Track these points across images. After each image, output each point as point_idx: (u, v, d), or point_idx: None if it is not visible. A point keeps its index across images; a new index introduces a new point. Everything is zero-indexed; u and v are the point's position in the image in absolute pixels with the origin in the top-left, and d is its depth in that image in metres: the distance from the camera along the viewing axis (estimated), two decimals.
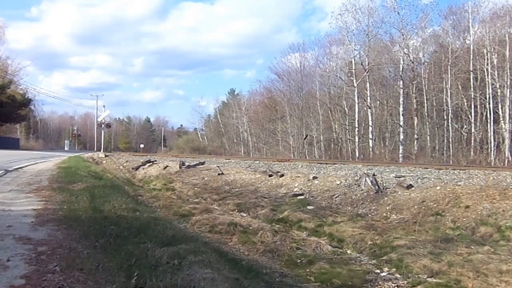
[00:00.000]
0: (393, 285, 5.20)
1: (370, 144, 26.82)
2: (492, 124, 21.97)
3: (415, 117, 25.93)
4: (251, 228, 7.46)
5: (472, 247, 6.25)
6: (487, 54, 22.63)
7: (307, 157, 29.70)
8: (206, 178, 14.72)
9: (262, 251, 6.27)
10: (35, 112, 56.28)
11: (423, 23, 26.75)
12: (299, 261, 6.04)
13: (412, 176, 11.01)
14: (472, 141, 22.70)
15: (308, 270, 5.63)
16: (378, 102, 29.03)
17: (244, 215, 9.21)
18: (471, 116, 23.49)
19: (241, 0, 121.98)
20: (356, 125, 28.20)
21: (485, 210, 7.67)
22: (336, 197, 10.40)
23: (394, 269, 5.68)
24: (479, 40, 24.17)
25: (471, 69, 23.74)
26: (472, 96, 23.35)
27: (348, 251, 6.79)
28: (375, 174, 11.11)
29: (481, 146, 22.45)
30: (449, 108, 24.31)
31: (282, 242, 6.80)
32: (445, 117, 24.78)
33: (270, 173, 13.71)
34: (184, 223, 7.70)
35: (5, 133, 46.82)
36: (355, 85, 28.04)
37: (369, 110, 27.46)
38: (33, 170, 12.02)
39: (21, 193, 6.85)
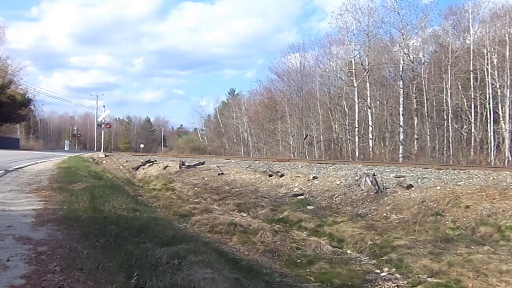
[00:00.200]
0: (393, 285, 5.20)
1: (370, 144, 26.82)
2: (492, 124, 21.96)
3: (415, 117, 25.93)
4: (251, 228, 7.46)
5: (472, 247, 6.25)
6: (487, 54, 22.63)
7: (307, 157, 29.70)
8: (206, 178, 14.72)
9: (262, 251, 6.27)
10: (35, 112, 56.32)
11: (423, 23, 26.79)
12: (299, 261, 6.04)
13: (412, 176, 11.01)
14: (472, 141, 22.70)
15: (308, 270, 5.63)
16: (378, 102, 29.02)
17: (244, 215, 9.21)
18: (471, 116, 23.49)
19: (241, 0, 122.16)
20: (356, 125, 28.19)
21: (485, 210, 7.67)
22: (336, 197, 10.40)
23: (394, 269, 5.68)
24: (479, 40, 24.17)
25: (471, 69, 23.74)
26: (472, 96, 23.35)
27: (348, 251, 6.79)
28: (375, 174, 11.11)
29: (481, 146, 22.45)
30: (449, 108, 24.30)
31: (282, 242, 6.80)
32: (445, 117, 24.78)
33: (270, 173, 13.71)
34: (184, 223, 7.71)
35: (5, 133, 46.83)
36: (355, 85, 28.04)
37: (369, 110, 27.46)
38: (33, 170, 12.02)
39: (21, 193, 6.85)
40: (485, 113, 22.99)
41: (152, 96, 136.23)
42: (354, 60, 29.01)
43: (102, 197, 6.63)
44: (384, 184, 10.30)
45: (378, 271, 5.72)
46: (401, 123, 25.30)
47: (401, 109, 25.48)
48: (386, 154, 25.32)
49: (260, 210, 9.44)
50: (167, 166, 17.84)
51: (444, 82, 24.98)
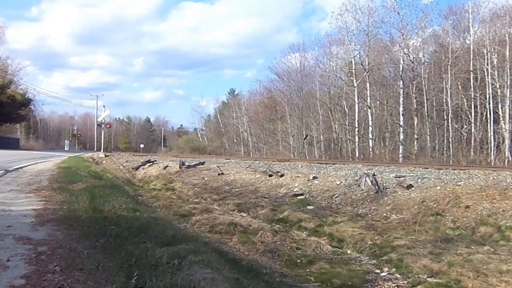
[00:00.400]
0: (393, 285, 5.20)
1: (370, 144, 26.82)
2: (492, 124, 21.96)
3: (415, 117, 25.93)
4: (251, 228, 7.46)
5: (472, 247, 6.24)
6: (487, 54, 22.62)
7: (307, 157, 29.70)
8: (206, 178, 14.72)
9: (262, 251, 6.27)
10: (35, 112, 56.32)
11: (423, 23, 26.78)
12: (299, 261, 6.04)
13: (412, 176, 11.01)
14: (472, 141, 22.70)
15: (308, 270, 5.63)
16: (378, 102, 29.02)
17: (244, 215, 9.21)
18: (471, 116, 23.49)
19: (241, 0, 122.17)
20: (356, 125, 28.19)
21: (485, 210, 7.67)
22: (336, 197, 10.40)
23: (394, 269, 5.68)
24: (479, 40, 24.16)
25: (471, 69, 23.74)
26: (472, 96, 23.35)
27: (348, 251, 6.79)
28: (375, 174, 11.11)
29: (481, 146, 22.45)
30: (449, 108, 24.30)
31: (282, 242, 6.80)
32: (445, 117, 24.78)
33: (270, 173, 13.71)
34: (184, 223, 7.71)
35: (5, 133, 46.83)
36: (355, 85, 28.04)
37: (369, 110, 27.46)
38: (33, 170, 12.02)
39: (21, 193, 6.85)
40: (485, 113, 22.99)
41: (152, 96, 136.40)
42: (354, 60, 29.02)
43: (102, 197, 6.63)
44: (384, 184, 10.30)
45: (378, 271, 5.72)
46: (401, 123, 25.30)
47: (401, 109, 25.48)
48: (386, 154, 25.32)
49: (260, 210, 9.44)
50: (167, 166, 17.85)
51: (444, 82, 24.97)
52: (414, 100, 26.19)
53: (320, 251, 6.59)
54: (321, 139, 32.11)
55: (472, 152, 21.81)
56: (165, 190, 12.87)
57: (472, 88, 23.43)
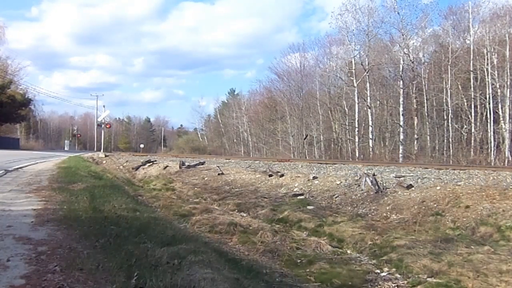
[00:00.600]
0: (393, 285, 5.20)
1: (370, 144, 26.82)
2: (492, 124, 21.97)
3: (415, 117, 25.93)
4: (251, 228, 7.46)
5: (472, 247, 6.24)
6: (487, 54, 22.63)
7: (307, 157, 29.70)
8: (206, 178, 14.72)
9: (262, 251, 6.27)
10: (35, 112, 56.26)
11: (423, 23, 26.79)
12: (299, 261, 6.04)
13: (412, 176, 11.01)
14: (472, 141, 22.70)
15: (308, 270, 5.63)
16: (378, 102, 29.03)
17: (244, 215, 9.21)
18: (471, 116, 23.49)
19: (241, 0, 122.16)
20: (356, 125, 28.20)
21: (485, 210, 7.67)
22: (336, 197, 10.40)
23: (394, 269, 5.68)
24: (479, 40, 24.16)
25: (471, 69, 23.74)
26: (472, 96, 23.35)
27: (348, 251, 6.79)
28: (375, 174, 11.11)
29: (481, 146, 22.45)
30: (449, 108, 24.30)
31: (282, 242, 6.80)
32: (445, 117, 24.78)
33: (270, 173, 13.71)
34: (184, 223, 7.70)
35: (5, 133, 46.83)
36: (355, 85, 28.04)
37: (369, 110, 27.46)
38: (33, 170, 12.02)
39: (21, 193, 6.85)
40: (485, 113, 22.99)
41: (152, 96, 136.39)
42: (354, 60, 29.02)
43: (102, 197, 6.62)
44: (384, 184, 10.30)
45: (378, 271, 5.72)
46: (401, 123, 25.31)
47: (401, 109, 25.48)
48: (386, 154, 25.32)
49: (260, 210, 9.44)
50: (167, 166, 17.85)
51: (444, 82, 24.98)
52: (414, 100, 26.19)
53: (320, 251, 6.59)
54: (321, 139, 32.11)
55: (472, 152, 21.81)
56: (165, 190, 12.87)
57: (472, 88, 23.43)
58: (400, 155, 24.42)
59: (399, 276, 5.47)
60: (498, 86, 22.03)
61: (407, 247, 6.22)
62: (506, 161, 19.71)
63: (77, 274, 2.81)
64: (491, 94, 22.26)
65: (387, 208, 9.05)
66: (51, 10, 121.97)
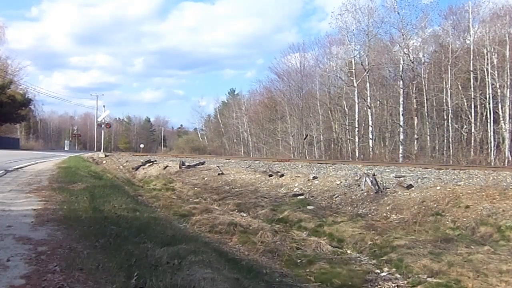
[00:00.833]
0: (393, 285, 5.20)
1: (370, 144, 26.82)
2: (492, 124, 21.97)
3: (415, 117, 25.93)
4: (251, 228, 7.46)
5: (472, 247, 6.25)
6: (487, 54, 22.63)
7: (307, 157, 29.69)
8: (206, 178, 14.72)
9: (262, 251, 6.27)
10: (35, 112, 56.24)
11: (423, 23, 26.79)
12: (299, 261, 6.04)
13: (412, 176, 11.01)
14: (472, 141, 22.70)
15: (308, 270, 5.63)
16: (378, 102, 29.03)
17: (244, 215, 9.21)
18: (471, 116, 23.49)
19: (242, 0, 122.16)
20: (356, 125, 28.20)
21: (485, 210, 7.67)
22: (336, 197, 10.40)
23: (394, 269, 5.68)
24: (479, 40, 24.16)
25: (471, 69, 23.74)
26: (472, 96, 23.35)
27: (348, 251, 6.79)
28: (375, 174, 11.11)
29: (481, 146, 22.45)
30: (449, 108, 24.31)
31: (282, 242, 6.79)
32: (445, 117, 24.79)
33: (270, 173, 13.71)
34: (184, 223, 7.71)
35: (5, 133, 46.81)
36: (355, 85, 28.04)
37: (369, 110, 27.46)
38: (33, 170, 12.02)
39: (21, 193, 6.85)
40: (485, 113, 23.00)
41: (152, 96, 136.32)
42: (354, 60, 29.02)
43: (102, 197, 6.63)
44: (384, 184, 10.30)
45: (378, 271, 5.72)
46: (401, 123, 25.30)
47: (401, 109, 25.48)
48: (386, 154, 25.32)
49: (260, 210, 9.44)
50: (167, 166, 17.85)
51: (444, 82, 24.98)
52: (414, 100, 26.19)
53: (320, 251, 6.59)
54: (321, 139, 32.11)
55: (472, 152, 21.81)
56: (165, 190, 12.87)
57: (472, 88, 23.43)
58: (400, 155, 24.41)
59: (399, 276, 5.47)
60: (498, 86, 22.03)
61: (407, 247, 6.22)
62: (506, 161, 19.71)
63: (77, 274, 2.81)
64: (491, 94, 22.26)
65: (387, 208, 9.05)
66: (51, 10, 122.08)
